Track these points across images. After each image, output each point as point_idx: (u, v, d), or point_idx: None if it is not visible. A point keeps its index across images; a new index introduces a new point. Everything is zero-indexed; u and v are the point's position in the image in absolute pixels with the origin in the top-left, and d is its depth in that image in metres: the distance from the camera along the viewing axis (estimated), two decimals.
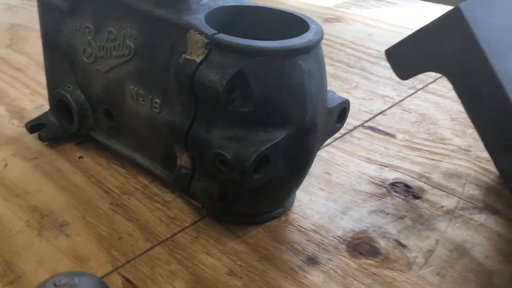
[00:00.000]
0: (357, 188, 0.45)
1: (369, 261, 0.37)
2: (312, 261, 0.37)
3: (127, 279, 0.35)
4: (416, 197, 0.44)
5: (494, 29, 0.26)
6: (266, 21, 0.39)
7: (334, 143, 0.52)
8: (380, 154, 0.50)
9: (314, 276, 0.36)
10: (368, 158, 0.49)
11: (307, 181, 0.45)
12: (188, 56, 0.34)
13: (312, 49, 0.35)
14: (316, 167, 0.48)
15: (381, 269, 0.36)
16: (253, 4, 0.40)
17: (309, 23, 0.37)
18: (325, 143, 0.51)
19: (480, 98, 0.26)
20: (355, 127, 0.55)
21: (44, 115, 0.52)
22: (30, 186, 0.45)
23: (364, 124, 0.56)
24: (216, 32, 0.34)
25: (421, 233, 0.40)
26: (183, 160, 0.38)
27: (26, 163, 0.48)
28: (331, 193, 0.44)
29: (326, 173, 0.47)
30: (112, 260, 0.37)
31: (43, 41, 0.49)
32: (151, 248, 0.38)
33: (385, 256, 0.37)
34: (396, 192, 0.45)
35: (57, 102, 0.49)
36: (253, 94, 0.33)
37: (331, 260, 0.37)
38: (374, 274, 0.36)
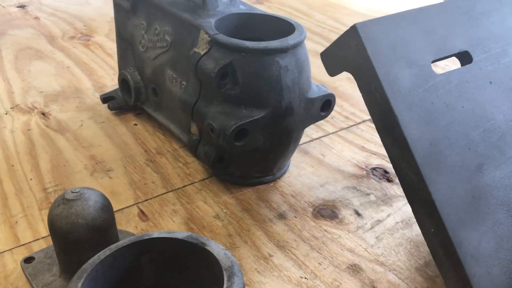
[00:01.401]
0: (342, 169, 0.54)
1: (326, 222, 0.46)
2: (281, 216, 0.47)
3: (141, 211, 0.48)
4: (389, 180, 0.52)
5: (383, 42, 0.34)
6: (268, 25, 0.50)
7: (339, 132, 0.61)
8: (374, 145, 0.58)
9: (278, 227, 0.46)
10: (363, 147, 0.58)
11: (302, 158, 0.55)
12: (196, 49, 0.46)
13: (290, 50, 0.44)
14: (315, 149, 0.57)
15: (333, 228, 0.45)
16: (259, 12, 0.50)
17: (296, 27, 0.46)
18: (330, 131, 0.60)
19: (370, 92, 0.34)
20: (364, 121, 0.63)
21: (115, 90, 0.67)
22: (94, 141, 0.59)
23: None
24: (217, 32, 0.45)
25: (378, 208, 0.48)
26: (193, 128, 0.50)
27: (95, 125, 0.63)
28: (318, 170, 0.53)
29: (321, 154, 0.56)
30: (136, 197, 0.50)
31: (116, 33, 0.64)
32: (165, 193, 0.50)
33: (340, 220, 0.46)
34: (374, 175, 0.53)
35: (122, 80, 0.63)
36: (239, 81, 0.44)
37: (296, 217, 0.47)
38: (325, 231, 0.45)
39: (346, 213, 0.47)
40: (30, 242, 0.44)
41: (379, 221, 0.46)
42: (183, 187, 0.51)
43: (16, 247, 0.44)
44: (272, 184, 0.51)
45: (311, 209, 0.48)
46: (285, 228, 0.45)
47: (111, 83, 0.74)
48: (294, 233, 0.45)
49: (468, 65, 0.36)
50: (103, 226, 0.36)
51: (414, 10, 0.36)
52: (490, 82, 0.36)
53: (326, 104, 0.50)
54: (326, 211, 0.47)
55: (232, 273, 0.27)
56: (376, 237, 0.44)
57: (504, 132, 0.36)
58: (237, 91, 0.45)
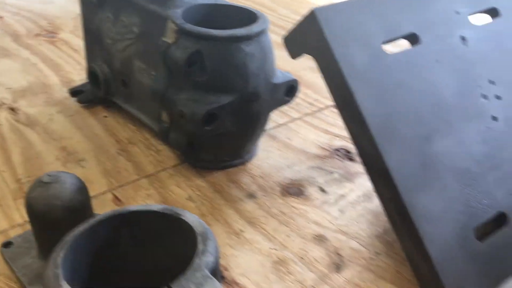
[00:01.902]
0: (308, 150, 0.57)
1: (293, 199, 0.49)
2: (250, 196, 0.49)
3: (116, 196, 0.50)
4: (351, 159, 0.55)
5: (339, 26, 0.37)
6: (232, 15, 0.52)
7: (305, 118, 0.64)
8: (337, 128, 0.61)
9: (248, 205, 0.48)
10: (327, 130, 0.61)
11: (269, 143, 0.58)
12: (164, 39, 0.48)
13: (255, 37, 0.47)
14: (282, 134, 0.60)
15: (299, 204, 0.48)
16: (223, 3, 0.52)
17: (258, 16, 0.49)
18: (296, 117, 0.63)
19: (329, 71, 0.37)
20: (327, 107, 0.66)
21: (83, 84, 0.68)
22: (64, 134, 0.60)
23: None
24: (184, 22, 0.47)
25: (342, 184, 0.51)
26: (164, 117, 0.52)
27: (65, 118, 0.64)
28: (285, 153, 0.56)
29: (288, 138, 0.59)
30: (109, 184, 0.51)
31: (83, 27, 0.65)
32: (138, 179, 0.52)
33: (307, 197, 0.49)
34: (337, 155, 0.56)
35: (91, 73, 0.64)
36: (206, 68, 0.46)
37: (264, 196, 0.49)
38: (293, 207, 0.48)
39: (311, 190, 0.50)
40: (7, 230, 0.45)
41: (342, 196, 0.49)
42: (156, 173, 0.53)
43: None
44: (241, 167, 0.54)
45: (279, 188, 0.50)
46: (255, 206, 0.48)
47: (79, 77, 0.74)
48: (263, 210, 0.47)
49: (416, 46, 0.40)
50: (79, 207, 0.38)
51: None
52: (437, 61, 0.40)
53: (290, 89, 0.52)
54: (293, 189, 0.50)
55: (206, 237, 0.30)
56: (340, 210, 0.47)
57: (450, 106, 0.39)
58: (205, 78, 0.47)
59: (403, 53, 0.39)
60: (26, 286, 0.38)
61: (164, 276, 0.30)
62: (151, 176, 0.53)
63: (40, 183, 0.38)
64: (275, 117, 0.63)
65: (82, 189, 0.39)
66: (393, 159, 0.35)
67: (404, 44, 0.41)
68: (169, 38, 0.48)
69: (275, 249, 0.43)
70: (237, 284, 0.40)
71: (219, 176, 0.52)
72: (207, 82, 0.47)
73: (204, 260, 0.28)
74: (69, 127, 0.62)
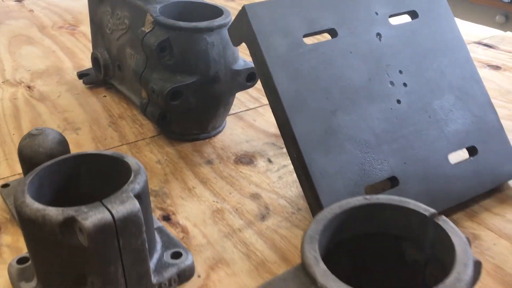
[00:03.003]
0: (267, 130, 0.66)
1: (243, 167, 0.58)
2: (208, 162, 0.59)
3: None
4: None
5: (265, 19, 0.46)
6: (202, 11, 0.62)
7: None
8: None
9: (205, 169, 0.58)
10: None
11: (236, 123, 0.67)
12: (143, 28, 0.58)
13: (216, 29, 0.56)
14: (249, 116, 0.69)
15: (247, 170, 0.57)
16: (195, 1, 0.62)
17: (224, 12, 0.59)
18: (265, 103, 0.72)
19: (255, 56, 0.46)
20: None
21: (89, 69, 0.79)
22: (68, 108, 0.72)
23: None
24: (159, 15, 0.57)
25: (287, 157, 0.60)
26: (143, 93, 0.62)
27: (71, 96, 0.75)
28: (248, 131, 0.66)
29: (253, 120, 0.68)
30: (96, 148, 0.62)
31: (89, 19, 0.76)
32: (120, 145, 0.63)
33: (255, 165, 0.58)
34: None
35: (94, 59, 0.75)
36: (174, 53, 0.56)
37: (220, 163, 0.59)
38: (241, 172, 0.57)
39: (260, 161, 0.59)
40: (8, 177, 0.57)
41: (284, 166, 0.58)
42: (136, 141, 0.64)
43: None
44: (207, 140, 0.64)
45: (234, 157, 0.60)
46: (210, 170, 0.57)
47: (89, 64, 0.86)
48: (216, 173, 0.57)
49: (334, 39, 0.48)
50: (59, 155, 0.48)
51: None
52: (351, 52, 0.48)
53: (251, 76, 0.62)
54: (245, 159, 0.59)
55: (137, 173, 0.40)
56: (279, 177, 0.56)
57: (358, 89, 0.47)
58: (173, 62, 0.57)
59: (320, 43, 0.48)
60: (14, 215, 0.49)
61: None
62: (131, 143, 0.63)
63: (29, 135, 0.48)
64: (247, 102, 0.73)
65: (62, 141, 0.49)
66: (299, 126, 0.44)
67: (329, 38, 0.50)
68: (146, 28, 0.58)
69: (217, 202, 0.52)
70: (180, 225, 0.49)
71: (186, 146, 0.62)
72: (175, 65, 0.57)
73: (131, 186, 0.38)
74: (73, 103, 0.73)
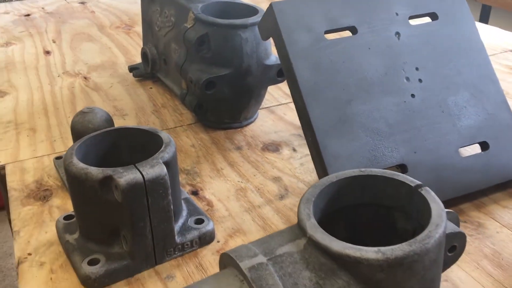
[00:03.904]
0: (295, 123, 0.70)
1: (269, 153, 0.63)
2: (238, 148, 0.64)
3: None
4: None
5: (290, 16, 0.50)
6: (240, 10, 0.67)
7: None
8: None
9: (234, 154, 0.63)
10: None
11: (268, 115, 0.72)
12: (185, 24, 0.65)
13: (249, 26, 0.62)
14: (280, 110, 0.74)
15: (272, 157, 0.62)
16: (234, 1, 0.68)
17: (259, 11, 0.64)
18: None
19: (280, 49, 0.50)
20: None
21: (140, 63, 0.87)
22: (118, 97, 0.79)
23: None
24: (200, 12, 0.64)
25: None
26: (183, 84, 0.68)
27: (122, 87, 0.83)
28: (277, 123, 0.70)
29: (284, 114, 0.73)
30: None
31: (141, 18, 0.84)
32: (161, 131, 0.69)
33: (280, 153, 0.63)
34: None
35: (143, 54, 0.83)
36: (212, 47, 0.62)
37: (248, 149, 0.64)
38: (266, 158, 0.62)
39: (285, 149, 0.64)
40: (62, 151, 0.64)
41: (307, 155, 0.62)
42: (175, 127, 0.70)
43: (52, 154, 0.64)
44: (239, 129, 0.69)
45: (261, 145, 0.65)
46: (238, 155, 0.63)
47: (140, 59, 0.93)
48: (243, 158, 0.62)
49: (354, 35, 0.53)
50: None
51: None
52: (369, 48, 0.52)
53: (282, 71, 0.67)
54: (272, 147, 0.64)
55: (168, 145, 0.45)
56: (301, 163, 0.60)
57: (373, 82, 0.51)
58: (210, 55, 0.63)
59: (341, 39, 0.52)
60: (65, 183, 0.56)
61: None
62: (171, 129, 0.70)
63: (80, 112, 0.55)
64: (280, 97, 0.78)
65: (109, 120, 0.56)
66: (315, 113, 0.49)
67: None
68: (188, 24, 0.64)
69: (241, 182, 0.57)
70: (206, 199, 0.55)
71: (219, 134, 0.68)
72: (211, 58, 0.63)
73: (161, 155, 0.44)
74: (123, 93, 0.81)
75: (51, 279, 0.44)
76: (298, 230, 0.34)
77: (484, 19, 2.02)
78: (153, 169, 0.42)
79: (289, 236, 0.34)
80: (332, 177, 0.37)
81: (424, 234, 0.31)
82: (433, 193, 0.34)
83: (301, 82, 0.49)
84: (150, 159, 0.43)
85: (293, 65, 0.49)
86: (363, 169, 0.38)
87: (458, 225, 0.38)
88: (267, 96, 0.76)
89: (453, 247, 0.37)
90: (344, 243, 0.31)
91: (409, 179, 0.36)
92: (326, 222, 0.37)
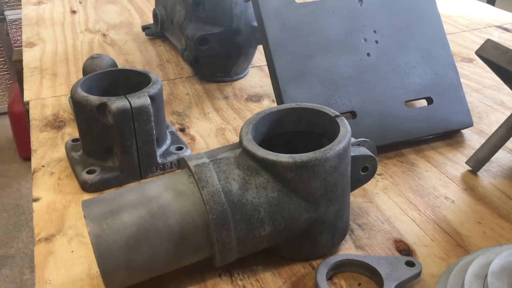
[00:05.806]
0: None
1: (251, 103, 0.73)
2: (225, 97, 0.74)
3: None
4: None
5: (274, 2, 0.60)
6: None
7: None
8: None
9: (221, 102, 0.73)
10: None
11: (257, 73, 0.82)
12: None
13: None
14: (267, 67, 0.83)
15: (253, 106, 0.72)
16: None
17: None
18: None
19: (255, 11, 0.60)
20: None
21: (151, 24, 0.97)
22: (130, 52, 0.90)
23: None
24: None
25: None
26: (183, 41, 0.78)
27: (134, 43, 0.94)
28: (264, 79, 0.80)
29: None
30: None
31: None
32: (162, 81, 0.80)
33: (260, 103, 0.73)
34: None
35: (154, 15, 0.93)
36: (206, 8, 0.72)
37: (234, 99, 0.74)
38: (248, 106, 0.72)
39: (266, 100, 0.74)
40: None
41: None
42: (174, 79, 0.80)
43: (68, 94, 0.75)
44: (229, 83, 0.79)
45: (246, 96, 0.75)
46: (225, 103, 0.73)
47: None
48: (228, 105, 0.72)
49: (321, 0, 0.61)
50: None
51: None
52: (333, 12, 0.61)
53: None
54: (255, 98, 0.74)
55: (155, 82, 0.56)
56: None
57: (334, 41, 0.60)
58: (204, 15, 0.72)
59: (309, 3, 0.61)
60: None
61: None
62: (171, 80, 0.80)
63: (91, 57, 0.66)
64: None
65: (114, 65, 0.67)
66: (280, 64, 0.58)
67: None
68: None
69: (222, 123, 0.67)
70: (190, 134, 0.65)
71: (212, 86, 0.78)
72: (206, 18, 0.72)
73: (148, 89, 0.54)
74: (135, 49, 0.92)
75: (58, 184, 0.56)
76: (238, 144, 0.44)
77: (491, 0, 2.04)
78: (140, 99, 0.53)
79: (230, 147, 0.44)
80: (273, 108, 0.47)
81: (328, 147, 0.41)
82: (345, 121, 0.44)
83: (270, 38, 0.59)
84: (138, 92, 0.54)
85: (264, 22, 0.59)
86: (299, 103, 0.47)
87: (374, 153, 0.47)
88: (258, 56, 0.85)
89: (365, 167, 0.46)
90: (267, 151, 0.41)
91: (331, 111, 0.45)
92: (269, 143, 0.47)
